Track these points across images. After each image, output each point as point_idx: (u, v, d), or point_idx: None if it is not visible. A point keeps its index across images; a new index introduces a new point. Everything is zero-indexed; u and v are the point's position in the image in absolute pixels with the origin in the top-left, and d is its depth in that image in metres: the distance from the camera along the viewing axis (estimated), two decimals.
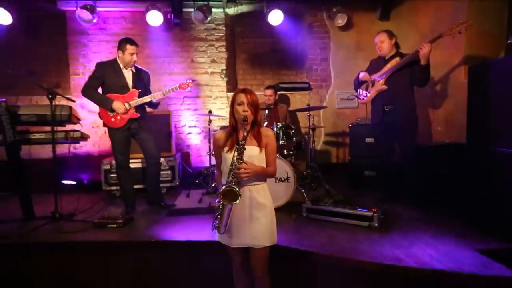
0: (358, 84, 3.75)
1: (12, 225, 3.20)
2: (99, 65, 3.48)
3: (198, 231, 2.97)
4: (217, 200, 1.89)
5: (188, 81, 3.59)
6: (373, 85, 3.58)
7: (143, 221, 3.34)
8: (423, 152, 3.56)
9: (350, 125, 4.48)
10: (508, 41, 3.33)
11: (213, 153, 2.22)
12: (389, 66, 3.45)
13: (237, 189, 1.83)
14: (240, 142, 1.90)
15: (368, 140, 4.29)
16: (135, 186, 3.77)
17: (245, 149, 1.90)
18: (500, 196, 2.63)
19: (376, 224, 2.90)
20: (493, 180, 2.72)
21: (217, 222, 1.93)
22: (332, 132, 5.44)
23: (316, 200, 3.42)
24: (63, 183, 4.70)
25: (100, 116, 3.46)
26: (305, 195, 3.77)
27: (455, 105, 3.85)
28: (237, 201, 1.83)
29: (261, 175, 2.01)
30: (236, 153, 1.89)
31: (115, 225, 3.10)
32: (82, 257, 2.81)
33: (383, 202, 3.61)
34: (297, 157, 4.75)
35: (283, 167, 3.53)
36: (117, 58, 3.47)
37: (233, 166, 1.88)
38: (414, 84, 3.46)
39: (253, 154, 1.98)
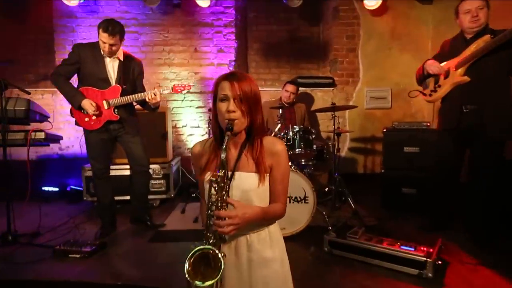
0: (423, 77, 2.79)
1: None
2: (76, 47, 2.74)
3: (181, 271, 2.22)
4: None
5: (185, 84, 2.87)
6: (447, 77, 2.62)
7: (118, 248, 2.62)
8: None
9: (384, 130, 3.62)
10: None
11: (195, 173, 1.44)
12: (473, 48, 2.45)
13: (218, 254, 1.06)
14: (218, 172, 1.10)
15: (408, 149, 3.43)
16: (122, 198, 3.07)
17: (229, 180, 1.14)
18: None
19: (430, 274, 2.06)
20: None
21: None
22: (360, 137, 4.58)
23: (342, 229, 2.61)
24: (44, 190, 4.09)
25: (71, 114, 2.77)
26: (326, 219, 2.97)
27: None
28: (216, 279, 1.04)
29: (261, 221, 1.21)
30: (212, 190, 1.11)
31: (78, 255, 2.39)
32: None
33: (430, 230, 2.78)
34: (317, 168, 3.94)
35: (299, 184, 2.75)
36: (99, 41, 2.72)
37: (211, 211, 1.11)
38: None
39: (249, 187, 1.19)
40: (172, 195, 3.76)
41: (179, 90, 2.87)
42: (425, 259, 2.07)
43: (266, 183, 1.22)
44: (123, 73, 2.78)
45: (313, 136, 3.26)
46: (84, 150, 4.38)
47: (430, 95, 2.74)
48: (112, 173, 3.07)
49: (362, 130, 4.56)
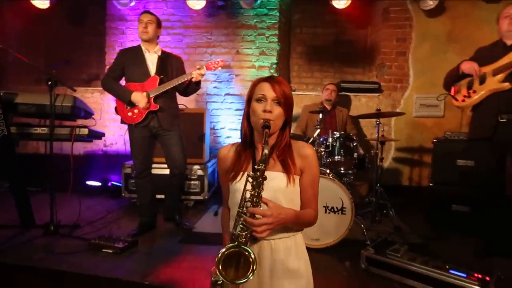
0: (456, 78, 2.60)
1: (8, 232, 2.73)
2: (120, 52, 2.94)
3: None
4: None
5: (218, 60, 2.87)
6: (482, 82, 2.44)
7: (150, 247, 2.63)
8: None
9: (434, 140, 3.31)
10: None
11: (219, 177, 1.38)
12: None
13: (251, 253, 1.00)
14: (256, 166, 1.06)
15: (462, 162, 3.10)
16: (161, 196, 3.12)
17: (265, 178, 1.06)
18: None
19: None
20: None
21: None
22: (406, 146, 4.26)
23: (381, 245, 2.39)
24: (87, 184, 4.29)
25: (116, 111, 2.87)
26: (365, 232, 2.76)
27: None
28: (249, 277, 0.99)
29: (294, 225, 1.16)
30: (248, 185, 1.06)
31: (111, 250, 2.43)
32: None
33: (485, 256, 2.47)
34: (357, 177, 3.72)
35: (337, 193, 2.58)
36: (141, 43, 2.89)
37: (243, 209, 1.06)
38: None
39: (279, 187, 1.14)
40: (206, 197, 3.74)
41: (213, 68, 2.86)
42: (477, 284, 1.81)
43: (296, 186, 1.18)
44: (162, 66, 2.84)
45: (355, 144, 3.07)
46: (127, 147, 4.57)
47: (463, 100, 2.54)
48: (154, 171, 3.10)
49: (409, 140, 4.23)
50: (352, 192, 2.72)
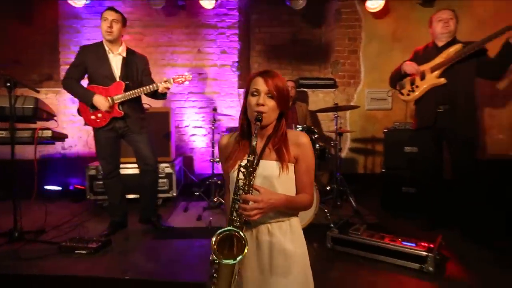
0: (400, 77, 2.95)
1: None
2: (81, 49, 2.82)
3: (190, 265, 2.26)
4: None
5: (186, 74, 2.85)
6: (422, 79, 2.78)
7: (124, 245, 2.65)
8: (487, 167, 2.73)
9: (385, 130, 3.66)
10: None
11: (220, 164, 1.48)
12: (445, 55, 2.67)
13: (242, 236, 1.11)
14: (248, 157, 1.17)
15: (408, 149, 3.47)
16: (130, 196, 3.09)
17: (255, 168, 1.17)
18: None
19: (430, 268, 2.10)
20: None
21: (214, 282, 1.17)
22: (360, 137, 4.62)
23: (344, 225, 2.65)
24: (46, 189, 4.11)
25: (78, 113, 2.81)
26: (328, 217, 3.00)
27: None
28: (240, 258, 1.10)
29: (286, 208, 1.25)
30: (240, 175, 1.17)
31: (84, 251, 2.42)
32: None
33: (429, 229, 2.83)
34: (319, 167, 3.97)
35: None
36: (103, 40, 2.79)
37: (237, 196, 1.16)
38: (483, 77, 2.69)
39: (272, 175, 1.24)
40: (175, 194, 3.79)
41: (180, 82, 2.83)
42: (426, 253, 2.12)
43: (290, 173, 1.27)
44: (126, 70, 2.80)
45: (316, 136, 3.30)
46: (87, 149, 4.45)
47: (408, 94, 2.91)
48: (123, 171, 3.09)
49: (363, 131, 4.60)
50: (315, 181, 2.94)
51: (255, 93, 1.24)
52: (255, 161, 1.17)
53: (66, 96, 4.45)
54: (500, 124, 3.38)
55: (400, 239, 2.32)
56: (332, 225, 2.83)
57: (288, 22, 4.80)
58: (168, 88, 2.76)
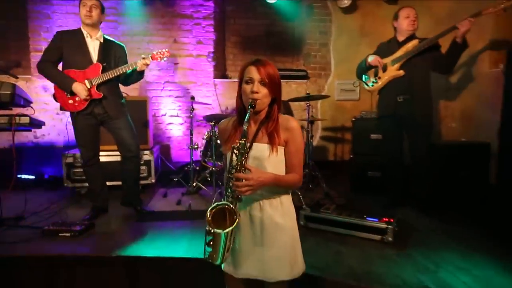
0: (365, 69, 3.21)
1: None
2: (58, 34, 2.81)
3: (173, 243, 2.40)
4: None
5: (164, 50, 2.91)
6: (384, 71, 3.05)
7: (107, 227, 2.74)
8: (439, 151, 3.06)
9: (353, 119, 3.94)
10: None
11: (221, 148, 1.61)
12: (404, 49, 2.95)
13: (233, 209, 1.27)
14: (239, 141, 1.30)
15: (374, 136, 3.77)
16: (110, 183, 3.17)
17: (246, 150, 1.32)
18: None
19: (390, 239, 2.38)
20: None
21: (209, 249, 1.32)
22: (331, 126, 4.91)
23: (315, 206, 2.88)
24: (20, 178, 4.05)
25: (54, 98, 2.82)
26: (301, 199, 3.24)
27: (476, 99, 3.37)
28: (229, 229, 1.26)
29: (276, 186, 1.38)
30: (233, 156, 1.31)
31: (68, 234, 2.49)
32: (22, 275, 2.21)
33: (390, 207, 3.13)
34: None
35: None
36: (81, 26, 2.81)
37: (231, 174, 1.30)
38: (436, 71, 2.97)
39: (262, 156, 1.38)
40: (153, 181, 3.88)
41: (158, 58, 2.88)
42: (386, 226, 2.39)
43: (280, 155, 1.40)
44: (103, 54, 2.82)
45: None
46: (62, 137, 4.41)
47: (372, 85, 3.16)
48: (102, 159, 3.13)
49: (333, 120, 4.88)
50: None
51: (249, 81, 1.35)
52: (247, 144, 1.31)
53: (37, 83, 4.37)
54: (453, 114, 3.76)
55: (364, 216, 2.58)
56: (304, 206, 3.05)
57: (263, 14, 4.94)
58: (147, 65, 2.78)
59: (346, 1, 4.46)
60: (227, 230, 1.26)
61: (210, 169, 3.53)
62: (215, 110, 4.65)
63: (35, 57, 4.29)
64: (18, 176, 4.05)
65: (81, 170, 3.51)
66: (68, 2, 4.31)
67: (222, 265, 1.47)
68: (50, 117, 4.36)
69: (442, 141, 3.57)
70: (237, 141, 1.32)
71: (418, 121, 2.95)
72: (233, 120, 1.48)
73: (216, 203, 1.30)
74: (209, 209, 1.29)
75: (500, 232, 2.53)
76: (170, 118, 4.66)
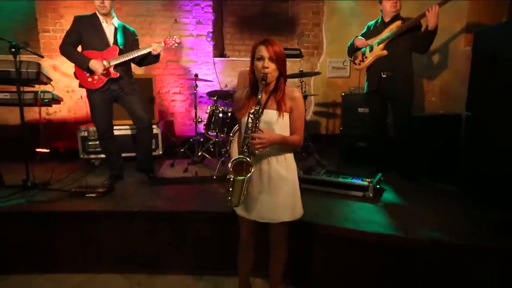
0: (354, 50, 3.54)
1: None
2: (77, 19, 3.07)
3: (185, 201, 2.80)
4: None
5: (175, 37, 3.22)
6: (371, 50, 3.38)
7: (125, 190, 3.11)
8: (418, 122, 3.44)
9: (343, 94, 4.29)
10: None
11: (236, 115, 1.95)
12: (388, 30, 3.25)
13: (249, 161, 1.62)
14: (255, 107, 1.64)
15: (361, 110, 4.13)
16: (124, 155, 3.52)
17: (260, 115, 1.65)
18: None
19: (371, 195, 2.80)
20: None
21: (230, 196, 1.70)
22: (323, 102, 5.26)
23: (308, 170, 3.28)
24: (36, 151, 4.37)
25: (75, 76, 3.11)
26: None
27: (453, 75, 3.73)
28: (247, 176, 1.62)
29: (281, 145, 1.73)
30: (249, 119, 1.66)
31: (94, 195, 2.87)
32: (58, 228, 2.60)
33: (374, 173, 3.53)
34: None
35: None
36: (96, 12, 3.07)
37: (247, 134, 1.66)
38: (414, 51, 3.28)
39: (271, 120, 1.71)
40: (161, 152, 4.24)
41: (170, 44, 3.19)
42: (367, 184, 2.81)
43: (286, 119, 1.73)
44: (119, 37, 3.11)
45: None
46: (73, 114, 4.72)
47: (359, 64, 3.50)
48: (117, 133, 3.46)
49: (325, 96, 5.23)
50: None
51: (260, 58, 1.64)
52: (260, 110, 1.65)
53: (47, 63, 4.62)
54: (433, 90, 4.12)
55: (351, 177, 2.99)
56: (299, 172, 3.45)
57: None
58: (162, 47, 3.11)
59: None
60: (245, 177, 1.63)
61: (213, 140, 3.90)
62: (215, 87, 4.96)
63: (45, 37, 4.54)
64: (36, 149, 4.37)
65: (95, 143, 3.88)
66: None
67: (237, 210, 1.86)
68: (61, 94, 4.63)
69: (422, 114, 3.94)
70: (253, 107, 1.66)
71: (400, 95, 3.30)
72: (246, 91, 1.81)
73: (236, 157, 1.66)
74: (231, 161, 1.66)
75: (467, 190, 2.95)
76: (173, 95, 4.97)
